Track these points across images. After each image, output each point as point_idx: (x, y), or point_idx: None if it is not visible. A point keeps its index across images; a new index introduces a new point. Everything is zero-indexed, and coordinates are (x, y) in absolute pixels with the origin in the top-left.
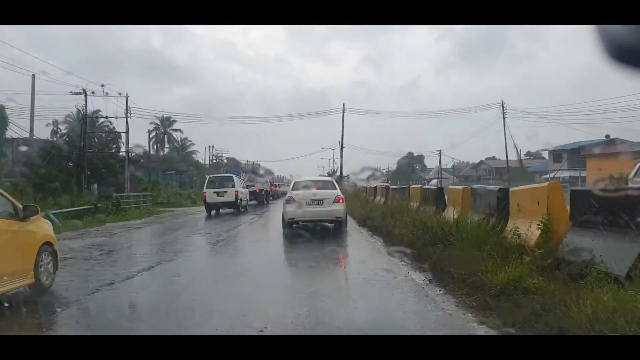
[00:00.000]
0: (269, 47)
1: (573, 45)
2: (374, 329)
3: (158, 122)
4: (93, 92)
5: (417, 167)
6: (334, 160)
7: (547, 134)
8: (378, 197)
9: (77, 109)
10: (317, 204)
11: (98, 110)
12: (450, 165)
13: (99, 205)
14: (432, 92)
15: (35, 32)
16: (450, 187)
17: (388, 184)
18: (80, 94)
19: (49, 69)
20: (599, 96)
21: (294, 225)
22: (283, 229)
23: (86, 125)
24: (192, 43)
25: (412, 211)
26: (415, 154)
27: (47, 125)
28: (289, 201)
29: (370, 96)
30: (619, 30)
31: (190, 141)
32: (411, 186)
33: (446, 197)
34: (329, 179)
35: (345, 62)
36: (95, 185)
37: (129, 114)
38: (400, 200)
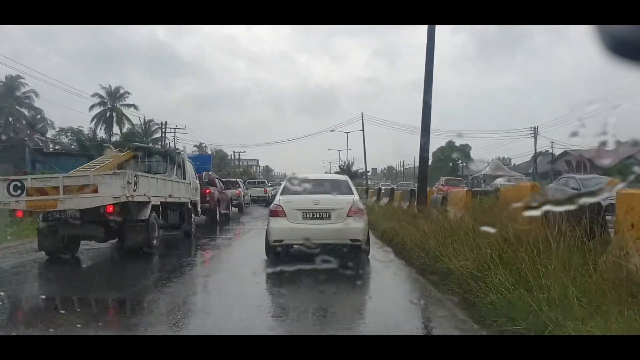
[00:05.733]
0: (274, 42)
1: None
2: None
3: (104, 95)
4: None
5: (460, 161)
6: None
7: None
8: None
9: None
10: (321, 218)
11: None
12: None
13: None
14: (444, 89)
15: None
16: None
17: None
18: None
19: (51, 63)
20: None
21: (283, 249)
22: (267, 255)
23: None
24: (197, 37)
25: None
26: (457, 143)
27: None
28: (275, 213)
29: (379, 92)
30: (619, 26)
31: (157, 124)
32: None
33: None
34: (341, 177)
35: (353, 58)
36: None
37: None
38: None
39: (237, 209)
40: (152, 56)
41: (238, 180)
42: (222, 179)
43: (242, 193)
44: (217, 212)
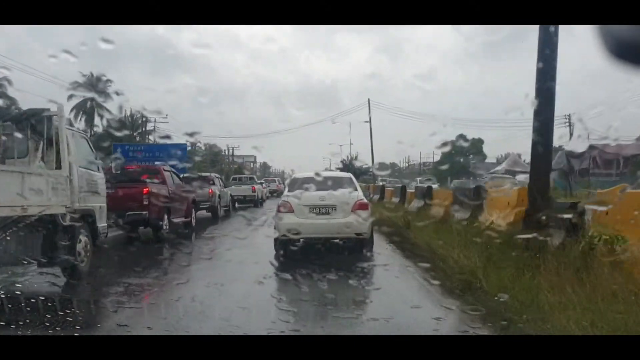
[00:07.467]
0: (275, 39)
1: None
2: None
3: (84, 84)
4: None
5: (471, 157)
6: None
7: None
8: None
9: None
10: (327, 213)
11: None
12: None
13: None
14: (449, 87)
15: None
16: None
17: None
18: None
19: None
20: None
21: (291, 244)
22: (275, 250)
23: None
24: (196, 33)
25: None
26: (468, 137)
27: None
28: (282, 208)
29: (382, 88)
30: (621, 27)
31: (146, 116)
32: None
33: None
34: (344, 175)
35: (355, 54)
36: None
37: None
38: None
39: (210, 214)
40: (151, 52)
41: (213, 175)
42: (185, 174)
43: (217, 193)
44: (164, 223)
